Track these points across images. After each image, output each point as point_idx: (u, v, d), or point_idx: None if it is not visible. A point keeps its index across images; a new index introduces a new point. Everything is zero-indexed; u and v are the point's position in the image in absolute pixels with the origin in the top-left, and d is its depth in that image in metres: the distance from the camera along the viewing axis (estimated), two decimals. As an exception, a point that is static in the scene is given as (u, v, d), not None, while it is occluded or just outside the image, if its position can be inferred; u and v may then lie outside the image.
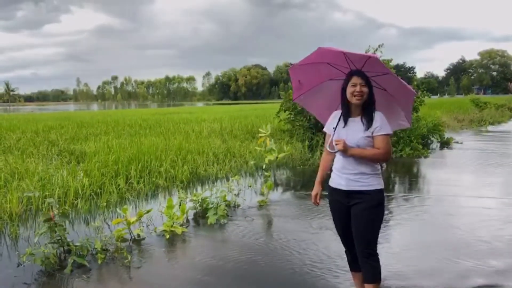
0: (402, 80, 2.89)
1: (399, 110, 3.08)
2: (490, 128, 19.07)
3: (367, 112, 2.88)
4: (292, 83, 3.26)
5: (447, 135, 13.60)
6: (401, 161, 9.91)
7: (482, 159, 10.09)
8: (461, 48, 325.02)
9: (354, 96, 2.83)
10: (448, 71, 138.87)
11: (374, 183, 2.88)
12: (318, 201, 3.11)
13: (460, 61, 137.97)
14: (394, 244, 4.53)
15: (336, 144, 2.87)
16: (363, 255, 2.93)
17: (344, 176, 2.92)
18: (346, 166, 2.91)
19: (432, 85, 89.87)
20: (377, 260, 2.95)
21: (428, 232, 5.02)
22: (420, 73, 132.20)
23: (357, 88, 2.81)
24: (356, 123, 2.91)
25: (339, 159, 2.98)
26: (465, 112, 23.86)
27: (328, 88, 3.16)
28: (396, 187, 7.52)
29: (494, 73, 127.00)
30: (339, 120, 2.96)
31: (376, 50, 11.22)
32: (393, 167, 9.14)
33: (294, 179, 8.19)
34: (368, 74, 2.88)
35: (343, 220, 3.01)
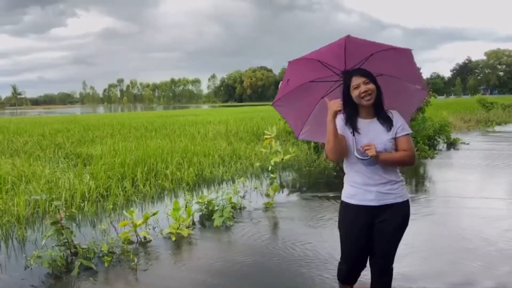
0: (403, 80, 2.58)
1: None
2: (497, 128, 18.90)
3: (381, 110, 2.61)
4: (282, 82, 2.84)
5: (453, 135, 13.52)
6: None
7: (489, 160, 10.02)
8: (466, 48, 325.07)
9: (363, 97, 2.52)
10: (454, 71, 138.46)
11: (402, 193, 2.64)
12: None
13: (466, 61, 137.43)
14: (400, 245, 4.50)
15: (366, 150, 2.49)
16: (382, 271, 2.75)
17: (374, 189, 2.59)
18: (373, 177, 2.59)
19: (438, 86, 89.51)
20: (391, 276, 2.80)
21: (434, 233, 4.98)
22: (426, 74, 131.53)
23: (362, 89, 2.51)
24: (374, 125, 2.61)
25: (359, 171, 2.63)
26: (471, 113, 23.69)
27: (305, 92, 2.79)
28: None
29: (501, 73, 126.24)
30: (351, 126, 2.62)
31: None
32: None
33: (300, 181, 8.16)
34: None
35: (363, 243, 2.72)
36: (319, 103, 2.82)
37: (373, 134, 2.59)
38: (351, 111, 2.63)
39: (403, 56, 2.54)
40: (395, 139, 2.59)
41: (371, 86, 2.53)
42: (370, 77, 2.55)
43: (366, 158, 2.55)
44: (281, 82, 2.90)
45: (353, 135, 2.61)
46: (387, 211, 2.61)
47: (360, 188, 2.64)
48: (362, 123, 2.63)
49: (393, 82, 2.64)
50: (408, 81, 2.66)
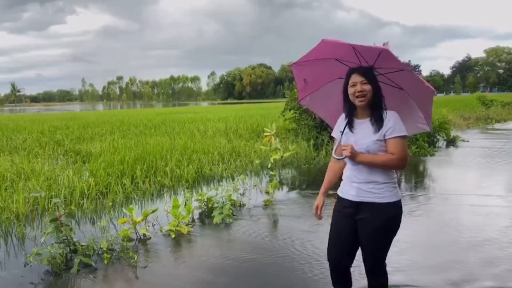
0: (420, 77, 2.55)
1: (417, 112, 2.74)
2: (496, 126, 18.93)
3: (375, 111, 2.56)
4: (297, 83, 2.92)
5: (453, 133, 13.51)
6: (407, 160, 9.84)
7: (489, 157, 10.02)
8: (465, 46, 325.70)
9: (356, 97, 2.53)
10: (454, 69, 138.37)
11: (387, 194, 2.57)
12: (319, 213, 2.80)
13: (466, 59, 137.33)
14: (399, 243, 4.50)
15: (343, 150, 2.55)
16: (371, 273, 2.76)
17: (355, 185, 2.63)
18: (357, 175, 2.62)
19: (437, 83, 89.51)
20: (386, 277, 2.77)
21: (434, 231, 4.98)
22: (425, 71, 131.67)
23: (357, 88, 2.51)
24: (365, 125, 2.60)
25: (348, 167, 2.71)
26: (471, 110, 23.70)
27: (338, 87, 2.77)
28: (402, 185, 7.47)
29: (501, 71, 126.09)
30: (346, 123, 2.66)
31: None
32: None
33: (300, 178, 8.17)
34: (381, 70, 2.61)
35: (346, 235, 2.72)
36: None
37: (360, 135, 2.60)
38: (351, 108, 2.65)
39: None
40: (385, 141, 2.54)
41: (367, 87, 2.52)
42: (369, 78, 2.54)
43: (341, 158, 2.62)
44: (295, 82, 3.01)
45: (341, 134, 2.67)
46: (368, 209, 2.60)
47: (346, 181, 2.73)
48: (355, 122, 2.65)
49: (414, 78, 2.58)
50: (420, 77, 2.61)
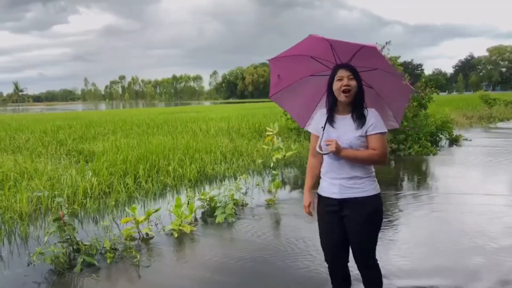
0: (396, 75, 2.61)
1: (387, 110, 2.81)
2: (499, 124, 18.86)
3: (357, 108, 2.62)
4: (271, 78, 2.93)
5: (456, 132, 13.47)
6: (409, 159, 9.84)
7: (492, 156, 9.99)
8: (467, 44, 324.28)
9: (343, 91, 2.55)
10: (457, 67, 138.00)
11: (368, 188, 2.63)
12: (311, 210, 2.84)
13: (468, 57, 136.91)
14: (402, 242, 4.50)
15: (327, 145, 2.55)
16: (363, 268, 2.80)
17: (337, 182, 2.65)
18: (338, 171, 2.64)
19: (440, 82, 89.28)
20: (378, 270, 2.81)
21: (437, 230, 4.97)
22: (428, 70, 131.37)
23: (344, 82, 2.54)
24: (346, 121, 2.64)
25: (328, 164, 2.70)
26: (474, 109, 23.63)
27: (308, 84, 2.87)
28: (405, 184, 7.46)
29: (503, 69, 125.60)
30: (327, 119, 2.68)
31: (384, 47, 11.12)
32: (401, 165, 9.08)
33: (302, 177, 8.15)
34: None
35: (336, 233, 2.74)
36: (325, 95, 2.82)
37: (342, 130, 2.63)
38: (333, 103, 2.68)
39: (377, 53, 2.56)
40: (366, 137, 2.60)
41: (353, 83, 2.56)
42: (355, 75, 2.58)
43: (326, 153, 2.62)
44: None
45: (323, 130, 2.67)
46: (351, 205, 2.64)
47: (327, 179, 2.73)
48: (337, 118, 2.69)
49: (388, 77, 2.62)
50: (397, 76, 2.65)
